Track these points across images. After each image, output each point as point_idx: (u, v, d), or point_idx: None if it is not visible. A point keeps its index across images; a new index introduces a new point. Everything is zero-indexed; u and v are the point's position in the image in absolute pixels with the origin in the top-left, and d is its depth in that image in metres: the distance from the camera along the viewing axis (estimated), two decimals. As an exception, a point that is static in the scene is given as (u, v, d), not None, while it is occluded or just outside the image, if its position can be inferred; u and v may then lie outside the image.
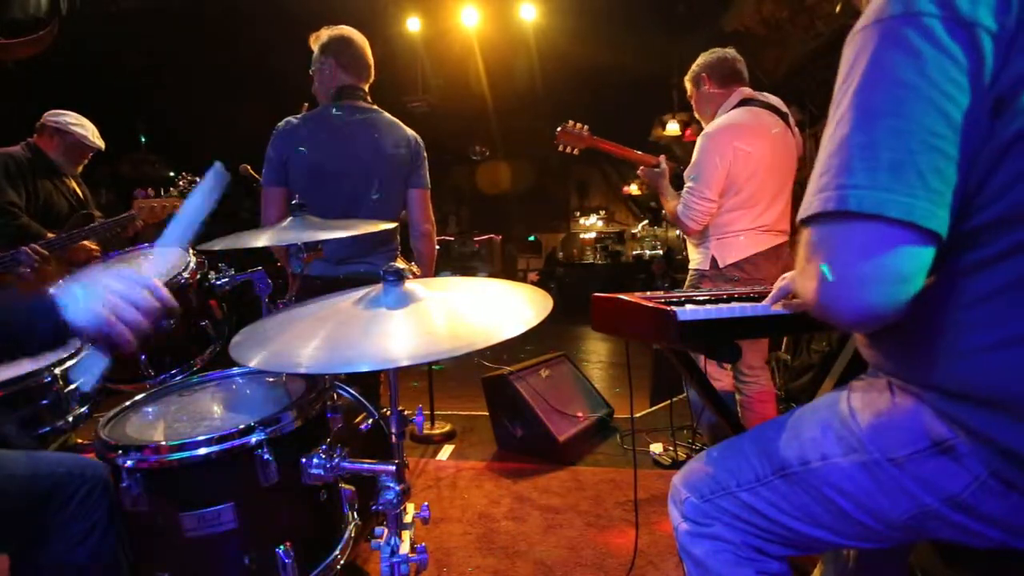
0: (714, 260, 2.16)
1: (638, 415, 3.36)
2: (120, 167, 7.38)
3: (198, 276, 1.57)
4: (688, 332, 0.94)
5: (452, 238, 11.95)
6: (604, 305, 1.13)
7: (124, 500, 1.11)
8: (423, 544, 1.15)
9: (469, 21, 6.08)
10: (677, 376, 2.94)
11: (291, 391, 1.38)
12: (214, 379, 1.53)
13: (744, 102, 2.18)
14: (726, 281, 2.12)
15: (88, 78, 5.56)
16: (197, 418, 1.32)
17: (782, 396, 3.39)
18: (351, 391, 1.64)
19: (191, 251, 1.64)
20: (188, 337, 1.57)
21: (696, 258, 2.26)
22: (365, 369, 0.88)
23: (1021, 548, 0.73)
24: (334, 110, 2.06)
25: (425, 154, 2.19)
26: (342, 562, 1.30)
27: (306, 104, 2.18)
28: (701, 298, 1.12)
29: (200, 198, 1.07)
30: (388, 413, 1.20)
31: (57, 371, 1.31)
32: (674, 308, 0.95)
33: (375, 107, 2.13)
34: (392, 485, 1.11)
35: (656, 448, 2.78)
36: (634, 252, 13.01)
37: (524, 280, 10.59)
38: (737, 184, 2.09)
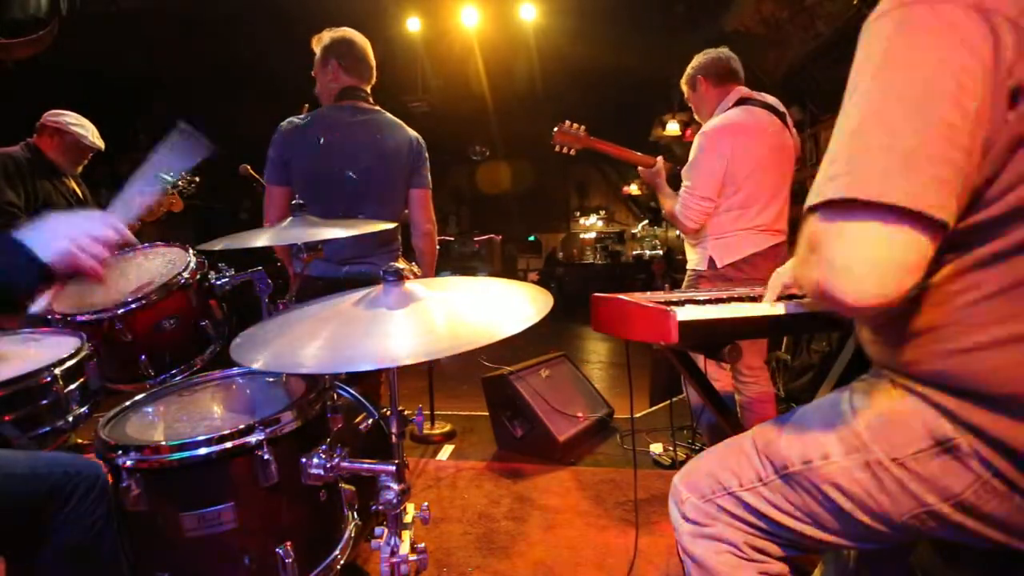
0: (712, 260, 2.16)
1: (638, 415, 3.36)
2: (120, 167, 7.38)
3: (198, 276, 1.57)
4: (688, 332, 0.94)
5: (452, 238, 11.95)
6: (604, 305, 1.13)
7: (124, 500, 1.11)
8: (423, 544, 1.15)
9: (469, 21, 6.08)
10: (677, 376, 2.94)
11: (291, 391, 1.38)
12: (214, 379, 1.53)
13: (741, 101, 2.19)
14: (724, 281, 2.12)
15: (88, 78, 5.56)
16: (197, 418, 1.32)
17: (782, 396, 3.39)
18: (351, 391, 1.64)
19: (191, 251, 1.64)
20: (188, 337, 1.57)
21: (694, 258, 2.26)
22: (366, 368, 0.88)
23: (1022, 550, 0.73)
24: (335, 111, 2.07)
25: (427, 155, 2.19)
26: (342, 562, 1.30)
27: (306, 105, 2.19)
28: (701, 298, 1.12)
29: (163, 159, 1.13)
30: (388, 413, 1.20)
31: (57, 371, 1.30)
32: (674, 308, 0.95)
33: (377, 108, 2.14)
34: (392, 485, 1.10)
35: (656, 448, 2.78)
36: (634, 252, 13.02)
37: (524, 280, 10.58)
38: (735, 184, 2.09)
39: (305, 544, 1.22)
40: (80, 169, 2.86)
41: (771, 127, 2.15)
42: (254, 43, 5.89)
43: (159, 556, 1.16)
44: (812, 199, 0.69)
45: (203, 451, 1.11)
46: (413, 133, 2.16)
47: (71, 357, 1.36)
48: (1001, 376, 0.67)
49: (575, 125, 2.32)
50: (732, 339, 1.02)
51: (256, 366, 0.94)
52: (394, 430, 1.14)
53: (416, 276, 2.26)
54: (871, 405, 0.80)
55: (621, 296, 1.09)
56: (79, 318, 1.46)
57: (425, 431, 3.14)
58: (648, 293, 1.24)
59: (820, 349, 3.22)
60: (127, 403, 1.38)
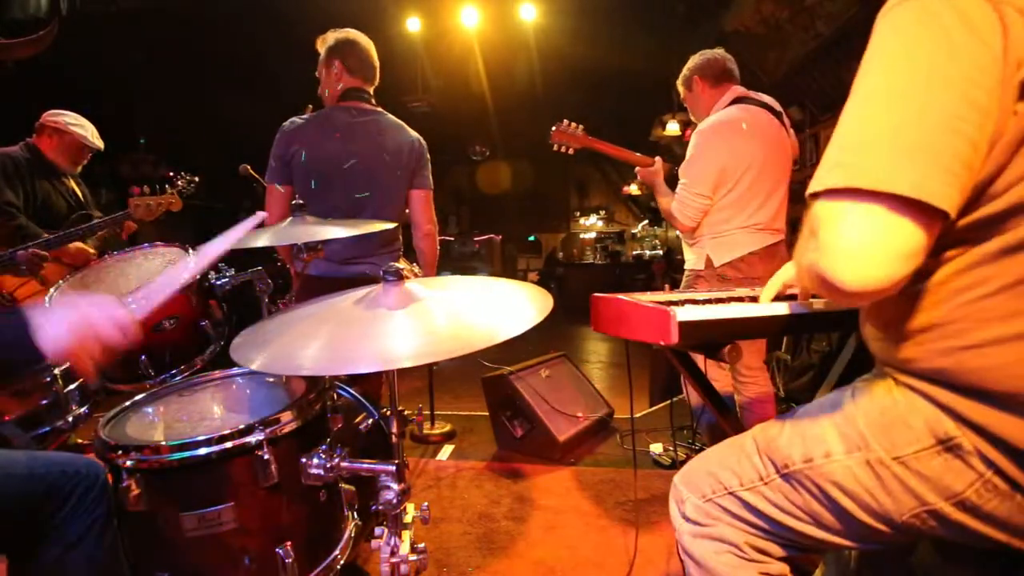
0: (708, 259, 2.15)
1: (638, 415, 3.36)
2: (119, 167, 7.38)
3: (198, 276, 1.57)
4: (688, 332, 0.94)
5: (452, 238, 11.95)
6: (604, 305, 1.13)
7: (124, 500, 1.11)
8: (423, 544, 1.15)
9: (469, 21, 6.08)
10: (677, 376, 2.94)
11: (291, 391, 1.38)
12: (214, 379, 1.53)
13: (737, 100, 2.19)
14: (722, 281, 2.12)
15: (88, 78, 5.56)
16: (197, 418, 1.32)
17: (782, 396, 3.39)
18: (351, 391, 1.64)
19: (191, 251, 1.64)
20: (188, 337, 1.57)
21: (691, 258, 2.26)
22: (366, 370, 0.88)
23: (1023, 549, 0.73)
24: (338, 111, 2.07)
25: (428, 156, 2.20)
26: (342, 562, 1.30)
27: (310, 106, 2.20)
28: (701, 298, 1.12)
29: (235, 235, 1.09)
30: (388, 413, 1.20)
31: (57, 371, 1.30)
32: (674, 308, 0.95)
33: (379, 109, 2.15)
34: (392, 485, 1.11)
35: (656, 448, 2.78)
36: (634, 252, 13.01)
37: (524, 280, 10.58)
38: (731, 181, 2.09)
39: (305, 544, 1.22)
40: (79, 169, 2.86)
41: (768, 125, 2.15)
42: (254, 43, 5.89)
43: (159, 556, 1.16)
44: (816, 185, 0.68)
45: (203, 451, 1.11)
46: (414, 134, 2.17)
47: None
48: (1005, 373, 0.67)
49: (573, 124, 2.32)
50: (732, 339, 1.02)
51: (254, 367, 0.94)
52: (394, 430, 1.14)
53: (417, 276, 2.26)
54: (873, 403, 0.79)
55: (621, 296, 1.09)
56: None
57: (425, 431, 3.14)
58: (648, 293, 1.24)
59: (820, 349, 3.22)
60: (127, 403, 1.38)
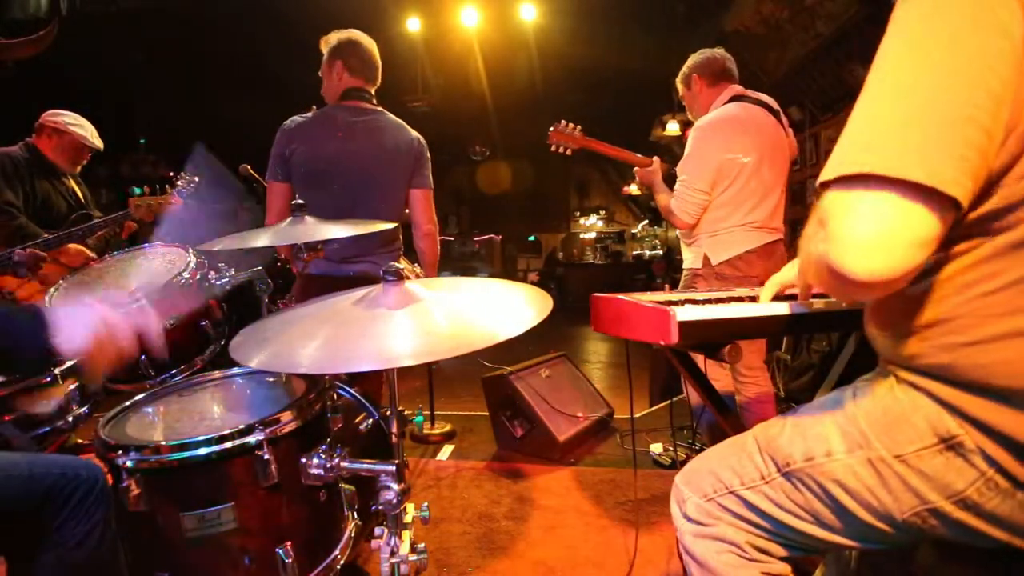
0: (706, 258, 2.15)
1: (638, 415, 3.36)
2: (119, 167, 7.39)
3: (198, 276, 1.57)
4: (688, 332, 0.94)
5: (452, 238, 11.96)
6: (604, 305, 1.13)
7: (124, 500, 1.11)
8: (423, 544, 1.15)
9: (469, 21, 6.09)
10: (677, 376, 2.94)
11: (291, 391, 1.38)
12: (214, 379, 1.53)
13: (735, 99, 2.19)
14: (720, 280, 2.12)
15: (88, 78, 5.56)
16: (197, 418, 1.32)
17: (782, 396, 3.39)
18: (351, 391, 1.64)
19: (191, 251, 1.64)
20: (188, 337, 1.57)
21: (689, 257, 2.26)
22: (365, 368, 0.88)
23: (1024, 549, 0.73)
24: (339, 111, 2.08)
25: (428, 155, 2.20)
26: (342, 562, 1.30)
27: (314, 106, 2.20)
28: (701, 298, 1.12)
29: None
30: (388, 413, 1.20)
31: (57, 371, 1.30)
32: (674, 308, 0.95)
33: (380, 109, 2.15)
34: (392, 485, 1.10)
35: (656, 448, 2.78)
36: (634, 252, 13.02)
37: (524, 280, 10.59)
38: (728, 177, 2.09)
39: (305, 544, 1.22)
40: (79, 169, 2.86)
41: (766, 123, 2.15)
42: (254, 43, 5.89)
43: (159, 556, 1.16)
44: (827, 174, 0.67)
45: (203, 451, 1.11)
46: (415, 134, 2.18)
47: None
48: (1009, 369, 0.66)
49: (571, 125, 2.32)
50: (732, 339, 1.02)
51: (254, 364, 0.94)
52: (394, 430, 1.14)
53: (417, 276, 2.27)
54: (874, 401, 0.79)
55: (621, 296, 1.09)
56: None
57: (425, 431, 3.14)
58: (648, 293, 1.24)
59: (820, 349, 3.22)
60: (127, 403, 1.38)
